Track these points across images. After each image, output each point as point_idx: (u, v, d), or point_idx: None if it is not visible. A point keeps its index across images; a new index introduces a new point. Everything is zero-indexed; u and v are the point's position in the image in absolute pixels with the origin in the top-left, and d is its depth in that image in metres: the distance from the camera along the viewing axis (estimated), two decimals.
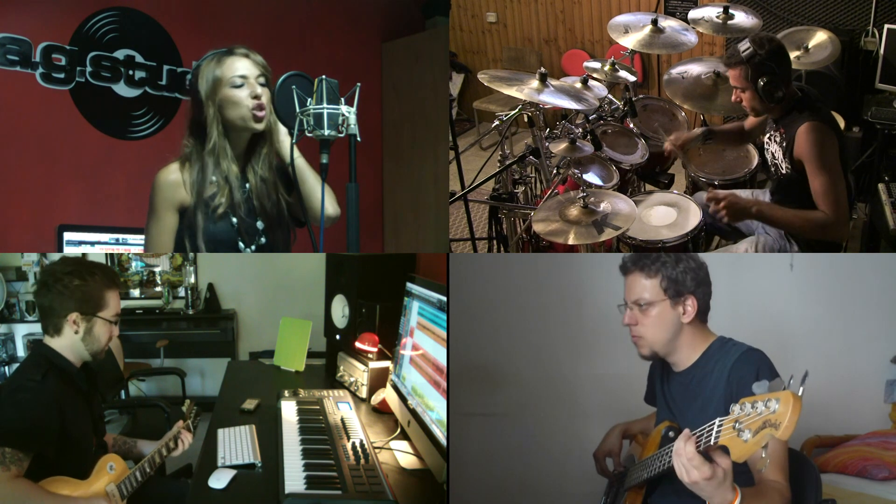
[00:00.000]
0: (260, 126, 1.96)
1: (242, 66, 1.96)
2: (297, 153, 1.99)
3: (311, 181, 2.00)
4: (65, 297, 1.80)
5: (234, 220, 1.99)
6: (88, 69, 3.44)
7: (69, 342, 1.83)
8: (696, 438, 1.36)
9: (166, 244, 2.00)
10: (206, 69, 1.96)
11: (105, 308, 1.85)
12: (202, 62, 1.98)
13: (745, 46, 2.40)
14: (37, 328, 4.41)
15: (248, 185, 2.02)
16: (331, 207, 1.97)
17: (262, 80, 1.97)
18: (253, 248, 2.02)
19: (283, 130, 2.04)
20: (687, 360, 1.70)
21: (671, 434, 1.63)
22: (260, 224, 2.03)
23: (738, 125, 2.92)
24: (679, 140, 2.89)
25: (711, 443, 1.31)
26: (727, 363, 1.60)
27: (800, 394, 1.19)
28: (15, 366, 4.24)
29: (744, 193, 2.88)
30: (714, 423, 1.31)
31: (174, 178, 1.98)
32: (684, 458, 1.34)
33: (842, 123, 3.25)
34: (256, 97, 1.95)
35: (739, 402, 1.26)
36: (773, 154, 2.55)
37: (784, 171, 2.49)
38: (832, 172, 2.34)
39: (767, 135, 2.59)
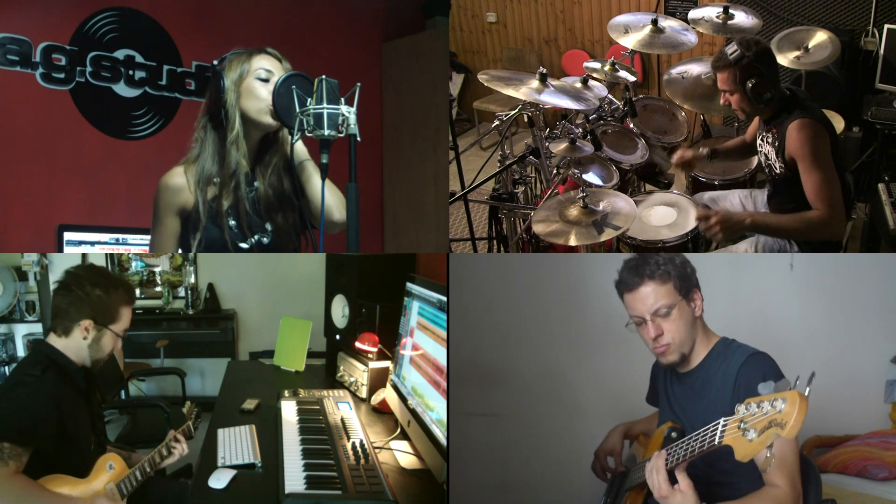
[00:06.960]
0: (274, 122, 1.95)
1: (269, 64, 1.97)
2: (305, 154, 1.99)
3: (317, 184, 1.95)
4: (84, 303, 1.84)
5: (239, 219, 1.98)
6: (88, 69, 3.44)
7: (75, 345, 1.85)
8: (699, 439, 1.38)
9: (169, 249, 2.01)
10: (235, 60, 1.96)
11: (117, 322, 1.89)
12: (230, 55, 1.98)
13: (731, 49, 2.39)
14: (36, 328, 4.40)
15: (256, 185, 2.01)
16: (337, 213, 1.94)
17: None
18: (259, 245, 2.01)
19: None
20: (692, 361, 1.70)
21: (674, 435, 1.63)
22: (269, 226, 2.01)
23: (740, 140, 2.91)
24: (684, 160, 2.86)
25: (716, 443, 1.33)
26: (734, 365, 1.60)
27: (806, 394, 1.20)
28: (14, 366, 4.22)
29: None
30: (719, 423, 1.33)
31: (177, 182, 1.97)
32: (653, 474, 1.42)
33: (842, 123, 3.26)
34: None
35: (745, 403, 1.27)
36: (766, 155, 2.55)
37: (778, 171, 2.49)
38: (825, 169, 2.32)
39: (760, 136, 2.59)
